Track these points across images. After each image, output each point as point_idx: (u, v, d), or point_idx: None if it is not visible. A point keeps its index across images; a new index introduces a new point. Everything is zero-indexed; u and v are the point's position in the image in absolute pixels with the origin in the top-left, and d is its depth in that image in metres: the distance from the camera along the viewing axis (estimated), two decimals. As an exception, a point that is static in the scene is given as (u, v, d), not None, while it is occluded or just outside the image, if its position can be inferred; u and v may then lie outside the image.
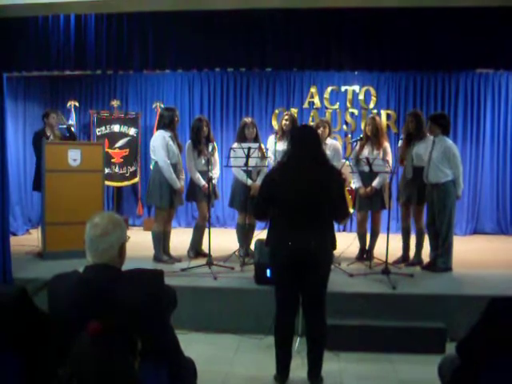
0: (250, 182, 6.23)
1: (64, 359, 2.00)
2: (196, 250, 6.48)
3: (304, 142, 3.72)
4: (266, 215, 3.81)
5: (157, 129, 6.44)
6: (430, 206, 5.96)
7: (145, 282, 2.24)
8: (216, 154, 6.58)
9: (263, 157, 6.22)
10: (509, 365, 2.28)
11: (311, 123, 8.63)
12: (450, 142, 5.86)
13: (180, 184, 6.12)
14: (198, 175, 6.26)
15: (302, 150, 3.68)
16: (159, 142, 6.00)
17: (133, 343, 1.98)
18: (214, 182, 6.38)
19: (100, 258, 2.26)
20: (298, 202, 3.56)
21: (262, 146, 6.31)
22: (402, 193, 6.20)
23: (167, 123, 6.09)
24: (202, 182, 6.24)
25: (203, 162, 6.25)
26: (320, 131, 6.14)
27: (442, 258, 5.82)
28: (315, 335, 3.75)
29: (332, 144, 6.36)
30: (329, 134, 6.36)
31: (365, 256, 6.30)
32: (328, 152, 6.09)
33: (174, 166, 6.06)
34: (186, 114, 9.11)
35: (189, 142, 6.33)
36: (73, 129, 7.29)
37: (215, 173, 6.48)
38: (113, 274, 2.24)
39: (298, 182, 3.57)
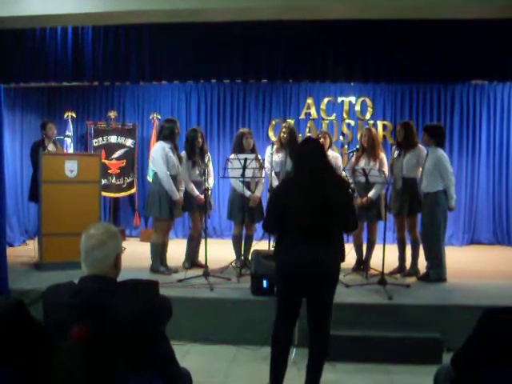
0: (248, 193, 6.24)
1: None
2: (191, 261, 6.48)
3: (309, 155, 3.70)
4: (276, 228, 3.78)
5: (157, 140, 6.45)
6: (423, 216, 5.98)
7: (140, 293, 2.24)
8: (210, 165, 6.60)
9: (260, 167, 6.23)
10: (504, 376, 2.27)
11: (308, 134, 8.67)
12: (441, 153, 5.85)
13: (179, 195, 6.13)
14: (192, 186, 6.28)
15: (308, 163, 3.67)
16: (159, 153, 6.01)
17: (122, 353, 1.97)
18: (208, 192, 6.39)
19: (95, 269, 2.27)
20: (307, 215, 3.53)
21: (259, 156, 6.33)
22: (393, 203, 6.21)
23: (167, 135, 6.11)
24: (196, 193, 6.27)
25: (197, 172, 6.29)
26: (322, 143, 6.17)
27: (433, 269, 5.83)
28: (318, 348, 3.72)
29: (333, 156, 6.38)
30: (330, 146, 6.37)
31: (361, 267, 6.31)
32: (329, 163, 6.13)
33: (174, 178, 6.07)
34: (183, 125, 9.07)
35: (183, 152, 6.34)
36: (58, 143, 7.31)
37: (210, 183, 6.50)
38: (108, 285, 2.24)
39: (306, 196, 3.54)
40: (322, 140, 6.20)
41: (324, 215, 3.55)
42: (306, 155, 3.73)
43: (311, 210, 3.54)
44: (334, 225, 3.62)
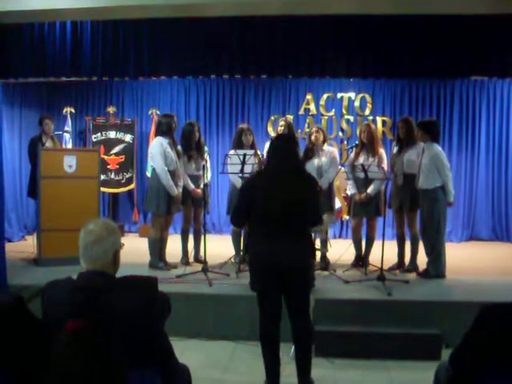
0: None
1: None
2: (195, 256, 6.52)
3: (280, 151, 3.76)
4: (243, 222, 3.89)
5: (155, 135, 6.45)
6: (421, 213, 5.98)
7: (138, 289, 2.24)
8: (208, 158, 6.63)
9: (259, 163, 6.23)
10: (502, 375, 2.26)
11: (307, 130, 8.67)
12: (437, 148, 5.83)
13: (178, 191, 6.12)
14: (188, 180, 6.29)
15: (278, 159, 3.73)
16: (157, 149, 6.00)
17: (121, 350, 1.96)
18: (207, 187, 6.39)
19: (94, 265, 2.27)
20: (275, 211, 3.57)
21: (258, 152, 6.32)
22: (394, 199, 6.20)
23: (165, 130, 6.09)
24: (192, 187, 6.29)
25: (194, 166, 6.31)
26: (314, 138, 6.15)
27: (432, 265, 5.82)
28: (301, 340, 3.74)
29: (329, 151, 6.33)
30: (324, 141, 6.35)
31: (360, 262, 6.30)
32: (325, 159, 6.11)
33: (172, 173, 6.05)
34: (182, 120, 9.04)
35: (179, 146, 6.32)
36: (56, 138, 7.31)
37: (207, 177, 6.53)
38: (107, 281, 2.24)
39: (274, 192, 3.60)
40: (315, 135, 6.19)
41: (290, 212, 3.59)
42: (277, 151, 3.78)
43: (278, 207, 3.57)
44: (301, 221, 3.66)
